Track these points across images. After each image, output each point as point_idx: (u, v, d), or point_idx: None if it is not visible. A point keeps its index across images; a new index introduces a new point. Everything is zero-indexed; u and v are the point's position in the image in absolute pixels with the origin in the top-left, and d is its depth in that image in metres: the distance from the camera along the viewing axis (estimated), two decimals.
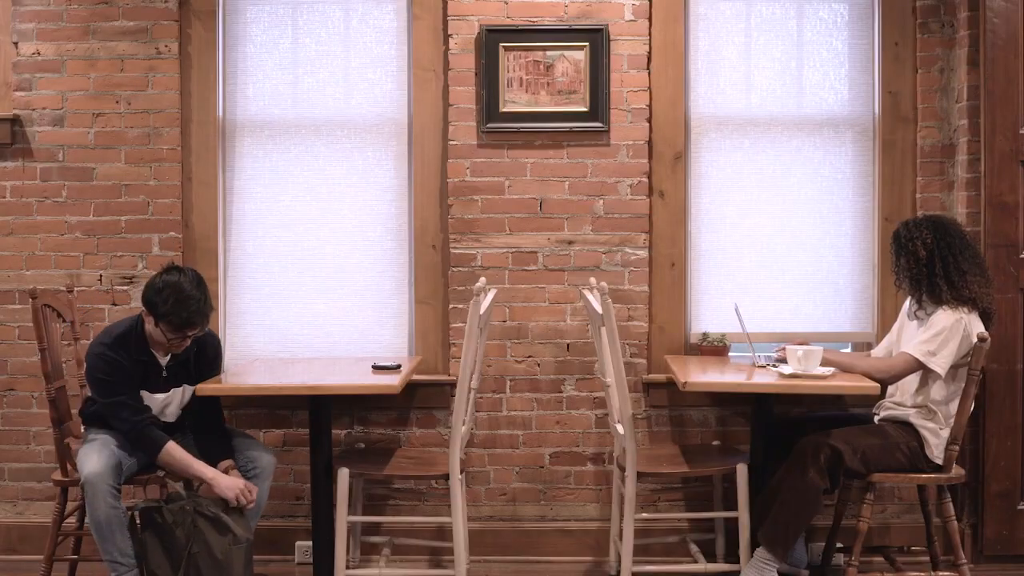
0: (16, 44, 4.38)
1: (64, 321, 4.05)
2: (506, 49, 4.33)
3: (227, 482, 3.61)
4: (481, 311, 3.66)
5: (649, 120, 4.37)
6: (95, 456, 3.56)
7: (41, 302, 3.79)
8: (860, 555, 3.74)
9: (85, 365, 3.74)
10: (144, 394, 3.69)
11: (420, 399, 4.39)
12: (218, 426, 3.85)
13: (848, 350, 4.46)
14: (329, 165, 4.48)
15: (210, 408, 3.80)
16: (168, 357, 3.73)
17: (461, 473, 3.80)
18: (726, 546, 4.20)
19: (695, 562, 4.03)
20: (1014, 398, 4.18)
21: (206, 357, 3.81)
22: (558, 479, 4.40)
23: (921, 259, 3.77)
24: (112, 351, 3.62)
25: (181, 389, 3.78)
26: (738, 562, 3.83)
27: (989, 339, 3.67)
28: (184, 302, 3.56)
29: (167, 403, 3.76)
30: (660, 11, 4.36)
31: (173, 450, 3.62)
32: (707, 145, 4.46)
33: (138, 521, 3.55)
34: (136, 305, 4.02)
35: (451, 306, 4.37)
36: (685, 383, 3.65)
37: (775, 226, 4.47)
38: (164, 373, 3.73)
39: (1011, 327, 4.15)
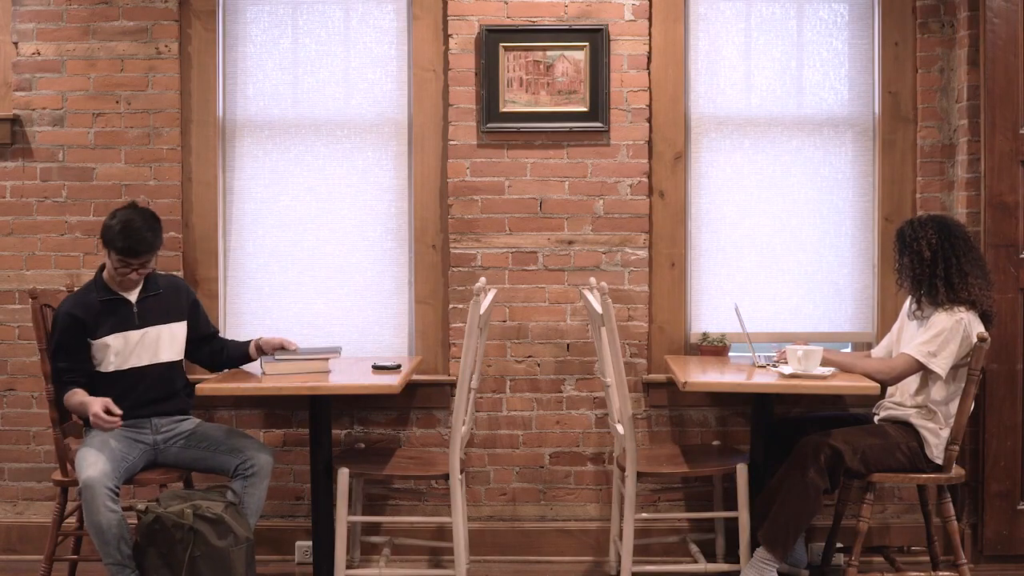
0: (16, 44, 4.38)
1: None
2: (506, 49, 4.33)
3: (95, 405, 3.65)
4: (481, 311, 3.66)
5: (649, 120, 4.37)
6: (93, 459, 3.57)
7: (41, 302, 3.80)
8: (860, 555, 3.74)
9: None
10: (121, 336, 3.77)
11: (420, 399, 4.39)
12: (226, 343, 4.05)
13: (848, 350, 4.46)
14: (329, 165, 4.48)
15: (208, 340, 4.01)
16: (137, 294, 3.82)
17: (461, 473, 3.80)
18: (726, 546, 4.21)
19: (695, 562, 4.04)
20: (1014, 398, 4.19)
21: (181, 294, 3.96)
22: (558, 479, 4.40)
23: (925, 259, 3.76)
24: (73, 305, 3.77)
25: (164, 327, 3.86)
26: (738, 562, 3.83)
27: (989, 339, 3.67)
28: (129, 231, 3.69)
29: (149, 342, 3.81)
30: (660, 11, 4.36)
31: (75, 394, 3.72)
32: (707, 145, 4.46)
33: (136, 537, 3.54)
34: None
35: (451, 306, 4.37)
36: (685, 383, 3.65)
37: (775, 226, 4.47)
38: (135, 309, 3.80)
39: (1011, 327, 4.15)
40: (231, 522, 3.54)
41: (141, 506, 3.55)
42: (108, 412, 3.62)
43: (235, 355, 4.00)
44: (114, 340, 3.76)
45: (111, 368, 3.76)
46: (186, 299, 3.96)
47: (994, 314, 3.84)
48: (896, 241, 3.89)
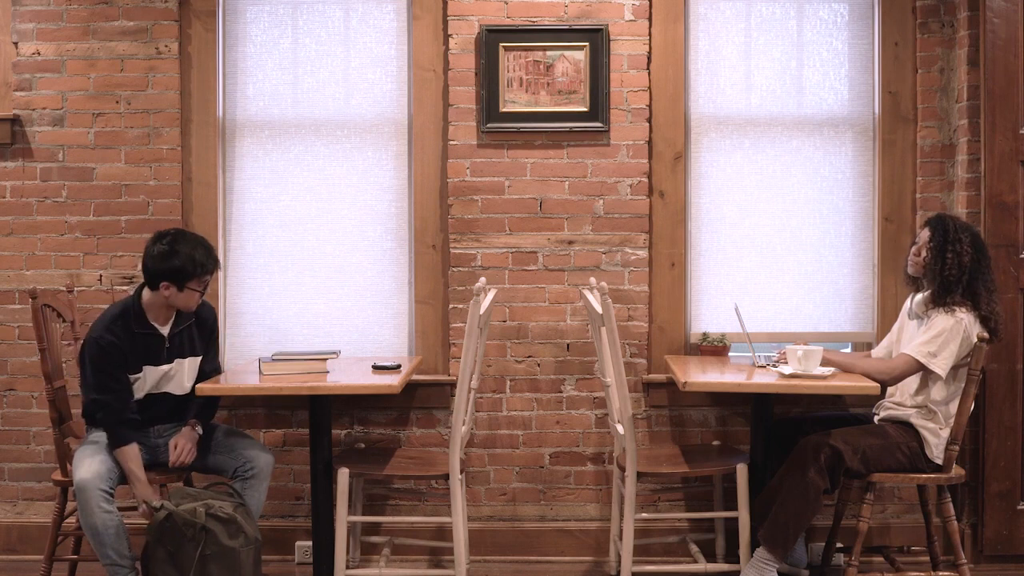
0: (16, 44, 4.38)
1: (64, 321, 4.05)
2: (506, 49, 4.33)
3: (146, 494, 3.63)
4: (481, 311, 3.66)
5: (649, 120, 4.37)
6: (87, 461, 3.57)
7: (41, 302, 3.80)
8: (860, 555, 3.74)
9: (80, 351, 3.75)
10: (149, 369, 3.72)
11: (420, 399, 4.39)
12: (209, 401, 3.89)
13: (848, 350, 4.46)
14: (329, 165, 4.48)
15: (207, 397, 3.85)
16: (170, 327, 3.75)
17: (461, 473, 3.80)
18: (726, 546, 4.20)
19: (695, 562, 4.03)
20: (1014, 398, 4.19)
21: (206, 327, 3.89)
22: (558, 479, 4.40)
23: (964, 265, 3.73)
24: (110, 333, 3.65)
25: (187, 360, 3.81)
26: (738, 562, 3.83)
27: (989, 339, 3.67)
28: (204, 246, 3.70)
29: (173, 374, 3.78)
30: (660, 11, 4.36)
31: (130, 453, 3.63)
32: (707, 145, 4.46)
33: (146, 535, 3.54)
34: None
35: (451, 306, 4.37)
36: (685, 383, 3.65)
37: (775, 226, 4.47)
38: (167, 344, 3.75)
39: (1011, 327, 4.15)
40: (242, 522, 3.55)
41: (156, 503, 3.54)
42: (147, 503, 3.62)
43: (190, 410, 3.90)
44: (142, 374, 3.73)
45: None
46: (209, 332, 3.91)
47: (1001, 331, 3.81)
48: (934, 231, 3.79)
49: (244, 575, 3.52)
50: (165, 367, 3.76)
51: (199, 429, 3.81)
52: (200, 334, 3.86)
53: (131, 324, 3.69)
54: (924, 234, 3.84)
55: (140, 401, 3.74)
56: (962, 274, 3.74)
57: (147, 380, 3.74)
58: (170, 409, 3.83)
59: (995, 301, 3.77)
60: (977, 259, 3.76)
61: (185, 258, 3.64)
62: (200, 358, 3.86)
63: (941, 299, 3.75)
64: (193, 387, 3.80)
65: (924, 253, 3.82)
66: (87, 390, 3.69)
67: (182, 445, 3.75)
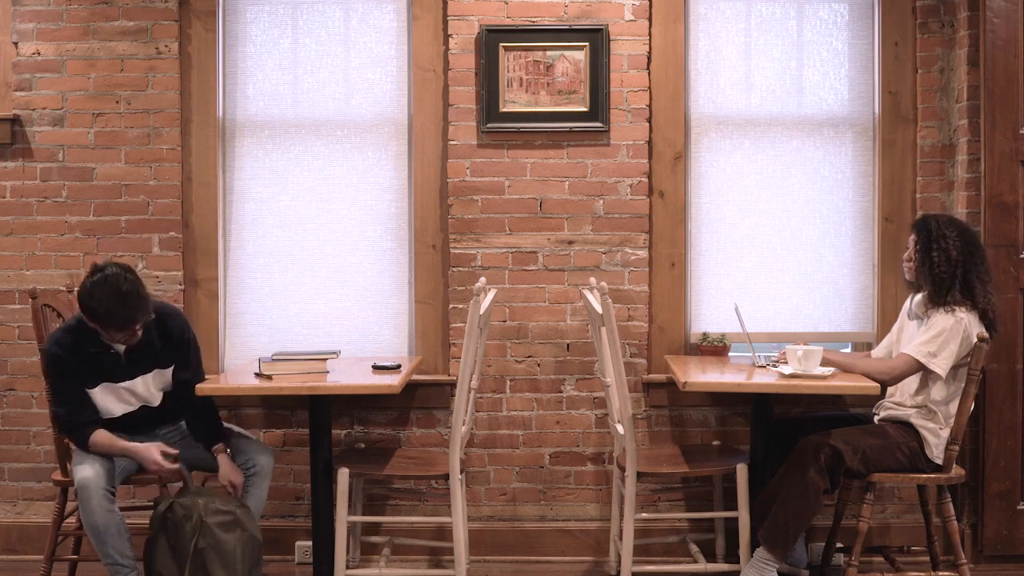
0: (16, 44, 4.38)
1: (64, 321, 4.04)
2: (506, 49, 4.33)
3: (152, 451, 3.58)
4: (481, 311, 3.66)
5: (649, 120, 4.37)
6: (89, 460, 3.56)
7: (41, 302, 3.79)
8: (860, 555, 3.74)
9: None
10: (108, 386, 3.66)
11: (420, 399, 4.39)
12: (208, 412, 3.83)
13: (848, 350, 4.46)
14: (329, 165, 4.48)
15: (204, 407, 3.78)
16: (124, 346, 3.66)
17: (461, 473, 3.80)
18: (726, 546, 4.20)
19: (695, 562, 4.03)
20: (1014, 398, 4.19)
21: (172, 339, 3.74)
22: (558, 479, 4.40)
23: (952, 259, 3.73)
24: (58, 345, 3.60)
25: (152, 374, 3.73)
26: (738, 562, 3.83)
27: (989, 339, 3.67)
28: (113, 298, 3.47)
29: (138, 390, 3.71)
30: (660, 11, 4.36)
31: (97, 436, 3.59)
32: (707, 145, 4.46)
33: (150, 528, 3.54)
34: None
35: (451, 306, 4.37)
36: (685, 383, 3.65)
37: (775, 226, 4.47)
38: (123, 361, 3.67)
39: (1011, 327, 4.15)
40: (241, 518, 3.55)
41: (159, 502, 3.55)
42: (164, 454, 3.59)
43: (196, 432, 3.84)
44: (100, 392, 3.67)
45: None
46: (176, 344, 3.75)
47: (999, 323, 3.82)
48: (918, 233, 3.82)
49: (238, 571, 3.51)
50: (126, 383, 3.69)
51: (228, 450, 3.78)
52: (165, 346, 3.72)
53: (83, 339, 3.59)
54: (911, 239, 3.86)
55: (118, 419, 3.70)
56: (954, 269, 3.73)
57: (108, 396, 3.67)
58: (153, 418, 3.78)
59: (991, 292, 3.76)
60: (969, 251, 3.76)
61: (97, 302, 3.48)
62: (169, 369, 3.74)
63: (940, 298, 3.75)
64: (171, 393, 3.76)
65: (913, 257, 3.84)
66: (50, 398, 3.66)
67: (233, 478, 3.70)
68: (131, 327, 3.55)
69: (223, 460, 3.74)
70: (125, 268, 3.58)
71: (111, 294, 3.48)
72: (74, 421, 3.62)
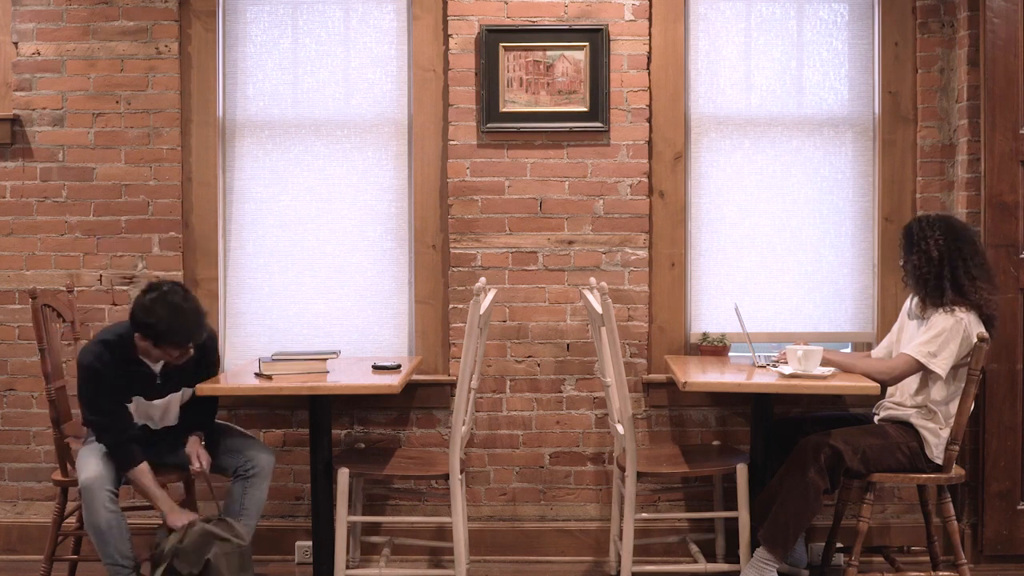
0: (16, 44, 4.38)
1: (64, 321, 4.05)
2: (506, 49, 4.33)
3: (179, 518, 3.59)
4: (481, 311, 3.66)
5: (649, 120, 4.37)
6: (93, 460, 3.56)
7: (41, 302, 3.79)
8: (860, 555, 3.74)
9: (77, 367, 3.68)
10: (139, 400, 3.67)
11: (420, 399, 4.39)
12: (208, 422, 3.83)
13: (848, 350, 4.46)
14: (329, 165, 4.48)
15: (205, 404, 3.78)
16: (161, 364, 3.67)
17: (461, 473, 3.80)
18: (726, 546, 4.20)
19: (695, 562, 4.03)
20: (1014, 398, 4.19)
21: (206, 359, 3.78)
22: (558, 479, 4.40)
23: (933, 259, 3.75)
24: (99, 361, 3.57)
25: (180, 392, 3.75)
26: (738, 562, 3.83)
27: (989, 339, 3.67)
28: (178, 314, 3.50)
29: (165, 408, 3.73)
30: (660, 11, 4.36)
31: (142, 474, 3.59)
32: (707, 145, 4.46)
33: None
34: None
35: (451, 306, 4.37)
36: (685, 383, 3.65)
37: (775, 226, 4.47)
38: (158, 380, 3.69)
39: (1011, 327, 4.15)
40: (218, 531, 3.53)
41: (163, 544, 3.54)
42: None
43: (188, 420, 3.82)
44: (132, 404, 3.67)
45: None
46: (208, 362, 3.78)
47: (997, 319, 3.83)
48: (903, 239, 3.88)
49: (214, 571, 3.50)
50: (158, 402, 3.71)
51: (203, 439, 3.78)
52: (199, 365, 3.72)
53: (121, 355, 3.60)
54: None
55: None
56: (939, 268, 3.74)
57: (138, 411, 3.68)
58: (164, 436, 3.77)
59: (983, 288, 3.74)
60: (956, 247, 3.75)
61: (158, 319, 3.49)
62: (193, 389, 3.69)
63: (935, 300, 3.75)
64: (186, 405, 3.77)
65: (901, 264, 3.87)
66: (83, 409, 3.64)
67: (199, 453, 3.70)
68: (189, 344, 3.56)
69: (192, 440, 3.73)
70: (181, 286, 3.63)
71: (173, 312, 3.50)
72: (117, 437, 3.58)
